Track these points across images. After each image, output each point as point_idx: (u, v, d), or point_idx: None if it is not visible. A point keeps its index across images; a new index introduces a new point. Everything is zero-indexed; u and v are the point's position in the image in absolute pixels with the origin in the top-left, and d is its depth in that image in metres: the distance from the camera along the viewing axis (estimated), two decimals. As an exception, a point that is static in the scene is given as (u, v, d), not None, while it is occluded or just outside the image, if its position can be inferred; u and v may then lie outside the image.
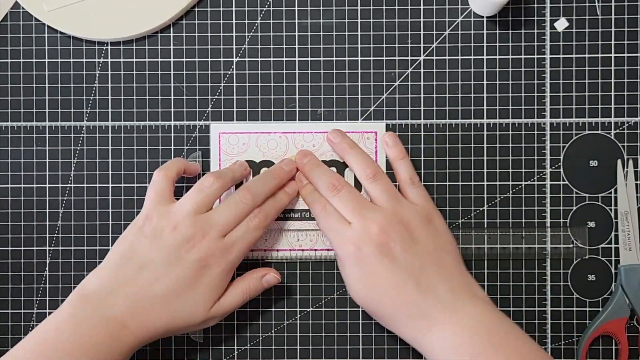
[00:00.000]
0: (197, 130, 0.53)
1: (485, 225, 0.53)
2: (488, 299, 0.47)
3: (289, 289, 0.53)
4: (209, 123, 0.53)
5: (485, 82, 0.53)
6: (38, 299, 0.53)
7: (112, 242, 0.52)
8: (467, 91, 0.53)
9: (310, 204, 0.51)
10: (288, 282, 0.53)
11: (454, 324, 0.44)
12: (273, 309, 0.53)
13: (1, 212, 0.54)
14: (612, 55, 0.53)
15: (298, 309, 0.53)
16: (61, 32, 0.53)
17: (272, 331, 0.53)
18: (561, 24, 0.53)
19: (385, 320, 0.47)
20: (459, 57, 0.53)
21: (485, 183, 0.53)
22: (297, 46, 0.53)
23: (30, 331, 0.53)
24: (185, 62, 0.53)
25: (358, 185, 0.52)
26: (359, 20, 0.53)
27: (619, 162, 0.52)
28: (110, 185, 0.53)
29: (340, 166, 0.52)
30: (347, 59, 0.53)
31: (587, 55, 0.53)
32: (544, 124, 0.53)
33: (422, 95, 0.53)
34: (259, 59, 0.53)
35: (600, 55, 0.53)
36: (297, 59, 0.53)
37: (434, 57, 0.53)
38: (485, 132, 0.53)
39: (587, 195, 0.53)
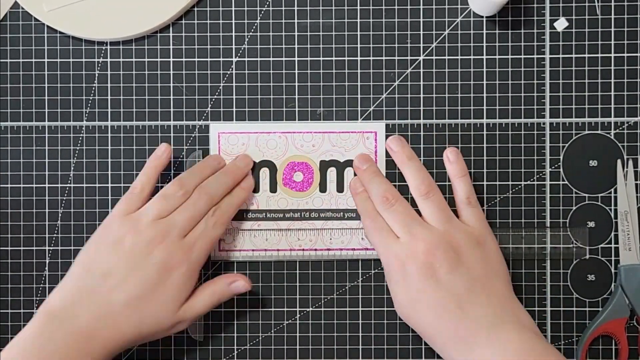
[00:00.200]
0: (196, 130, 0.53)
1: (485, 225, 0.53)
2: (535, 328, 0.46)
3: (289, 289, 0.53)
4: (208, 123, 0.53)
5: (484, 82, 0.53)
6: (38, 298, 0.53)
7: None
8: (467, 91, 0.53)
9: (361, 213, 0.51)
10: (288, 282, 0.53)
11: (494, 350, 0.43)
12: (273, 309, 0.53)
13: (1, 212, 0.54)
14: (612, 55, 0.53)
15: (298, 309, 0.53)
16: (61, 32, 0.53)
17: (272, 331, 0.53)
18: (561, 24, 0.53)
19: (427, 338, 0.47)
20: (459, 57, 0.53)
21: (485, 183, 0.53)
22: (296, 46, 0.53)
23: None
24: (184, 62, 0.53)
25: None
26: (358, 20, 0.53)
27: (619, 162, 0.52)
28: (109, 185, 0.53)
29: (340, 166, 0.53)
30: (346, 58, 0.53)
31: (586, 55, 0.53)
32: (544, 124, 0.53)
33: (421, 95, 0.53)
34: (259, 59, 0.53)
35: (600, 55, 0.53)
36: (296, 58, 0.53)
37: (434, 57, 0.53)
38: (484, 132, 0.53)
39: (586, 195, 0.53)
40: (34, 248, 0.53)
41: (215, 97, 0.53)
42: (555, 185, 0.53)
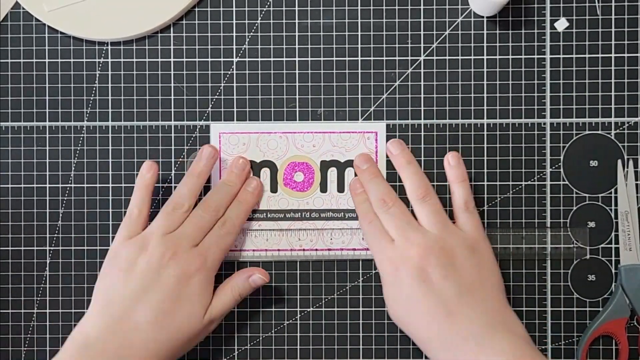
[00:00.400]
0: (197, 130, 0.53)
1: (486, 225, 0.53)
2: (527, 337, 0.46)
3: (289, 289, 0.53)
4: (209, 123, 0.53)
5: (485, 82, 0.53)
6: (38, 299, 0.53)
7: (112, 242, 0.52)
8: (467, 91, 0.53)
9: (359, 215, 0.51)
10: (288, 282, 0.53)
11: (484, 358, 0.43)
12: (273, 309, 0.53)
13: (1, 212, 0.54)
14: (612, 55, 0.53)
15: (298, 309, 0.53)
16: (61, 32, 0.53)
17: (272, 331, 0.53)
18: (561, 24, 0.53)
19: (419, 343, 0.47)
20: (459, 57, 0.53)
21: (485, 183, 0.53)
22: (297, 46, 0.53)
23: (30, 331, 0.53)
24: (185, 62, 0.53)
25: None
26: (359, 21, 0.53)
27: (619, 162, 0.53)
28: (110, 185, 0.53)
29: (341, 166, 0.53)
30: (347, 59, 0.53)
31: (587, 56, 0.53)
32: (544, 124, 0.53)
33: (422, 95, 0.53)
34: (259, 59, 0.53)
35: (600, 55, 0.53)
36: (297, 59, 0.53)
37: (434, 57, 0.53)
38: (485, 132, 0.53)
39: (587, 195, 0.53)
40: (35, 248, 0.53)
41: (216, 97, 0.53)
42: (555, 185, 0.53)
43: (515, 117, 0.53)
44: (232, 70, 0.53)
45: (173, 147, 0.53)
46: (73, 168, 0.53)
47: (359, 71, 0.53)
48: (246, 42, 0.53)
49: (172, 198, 0.49)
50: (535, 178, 0.53)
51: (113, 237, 0.53)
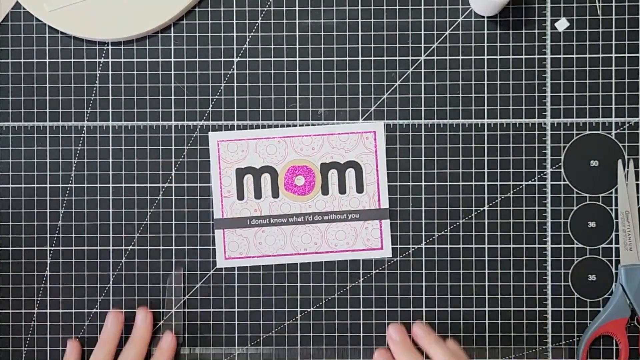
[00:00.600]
0: (197, 130, 0.53)
1: (486, 225, 0.53)
2: None
3: (289, 289, 0.53)
4: (209, 123, 0.53)
5: (486, 82, 0.53)
6: (39, 299, 0.53)
7: (113, 242, 0.52)
8: (468, 91, 0.53)
9: None
10: (288, 282, 0.53)
11: None
12: (273, 309, 0.53)
13: (2, 212, 0.54)
14: (613, 55, 0.53)
15: (299, 309, 0.53)
16: (62, 32, 0.53)
17: (273, 331, 0.53)
18: (562, 24, 0.53)
19: None
20: (460, 57, 0.53)
21: (485, 183, 0.53)
22: (297, 46, 0.53)
23: (30, 331, 0.53)
24: (185, 62, 0.53)
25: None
26: (359, 20, 0.53)
27: (620, 162, 0.53)
28: (110, 185, 0.53)
29: (342, 167, 0.52)
30: (347, 59, 0.53)
31: (587, 56, 0.53)
32: (545, 124, 0.53)
33: (422, 95, 0.53)
34: (260, 59, 0.53)
35: (600, 55, 0.53)
36: (297, 59, 0.53)
37: (435, 57, 0.53)
38: (486, 132, 0.53)
39: (587, 195, 0.53)
40: (35, 248, 0.53)
41: (217, 97, 0.53)
42: (556, 185, 0.53)
43: (516, 117, 0.53)
44: (232, 70, 0.53)
45: (173, 147, 0.53)
46: (73, 168, 0.53)
47: (360, 71, 0.53)
48: (246, 42, 0.53)
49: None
50: (536, 178, 0.53)
51: (113, 237, 0.53)
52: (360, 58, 0.53)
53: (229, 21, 0.53)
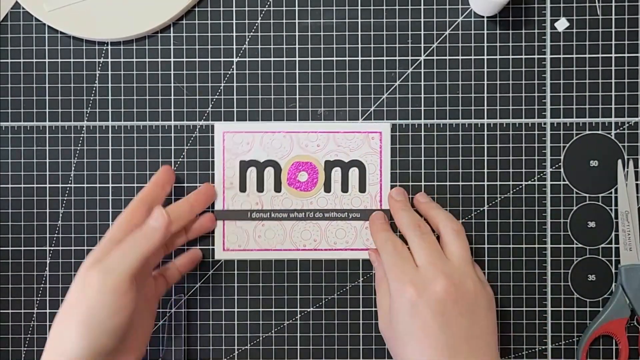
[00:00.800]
0: (197, 130, 0.53)
1: (486, 225, 0.53)
2: None
3: (289, 289, 0.53)
4: (209, 123, 0.53)
5: (485, 82, 0.53)
6: (38, 299, 0.53)
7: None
8: (468, 91, 0.53)
9: (380, 240, 0.50)
10: (288, 282, 0.53)
11: None
12: (273, 309, 0.53)
13: (1, 212, 0.54)
14: (613, 55, 0.53)
15: (298, 309, 0.53)
16: (61, 32, 0.53)
17: (272, 331, 0.53)
18: (562, 24, 0.53)
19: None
20: (460, 57, 0.53)
21: (485, 183, 0.53)
22: (297, 46, 0.53)
23: (30, 331, 0.53)
24: (185, 62, 0.53)
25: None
26: (359, 20, 0.53)
27: (619, 162, 0.53)
28: (110, 185, 0.53)
29: (345, 166, 0.53)
30: (347, 58, 0.53)
31: (587, 56, 0.53)
32: (545, 124, 0.53)
33: (422, 95, 0.53)
34: (260, 59, 0.53)
35: (600, 55, 0.53)
36: (297, 58, 0.53)
37: (435, 57, 0.53)
38: (485, 132, 0.53)
39: (587, 195, 0.53)
40: (35, 248, 0.53)
41: (216, 97, 0.53)
42: (555, 185, 0.53)
43: (516, 117, 0.53)
44: (232, 70, 0.53)
45: (173, 147, 0.53)
46: (73, 168, 0.53)
47: (359, 71, 0.53)
48: (246, 42, 0.53)
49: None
50: (535, 178, 0.53)
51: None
52: (360, 58, 0.53)
53: (229, 21, 0.53)
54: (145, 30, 0.53)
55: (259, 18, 0.53)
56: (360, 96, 0.53)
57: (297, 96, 0.53)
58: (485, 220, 0.53)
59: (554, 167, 0.53)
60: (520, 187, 0.53)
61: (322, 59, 0.53)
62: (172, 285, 0.52)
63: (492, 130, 0.53)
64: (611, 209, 0.53)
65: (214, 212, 0.53)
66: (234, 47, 0.53)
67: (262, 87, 0.53)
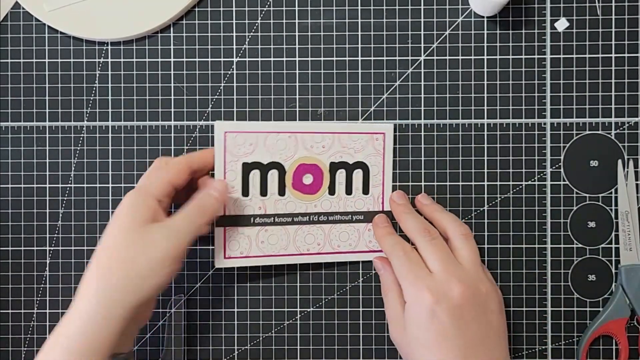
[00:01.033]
0: (197, 130, 0.53)
1: (486, 225, 0.53)
2: None
3: (289, 289, 0.53)
4: (209, 123, 0.53)
5: (485, 82, 0.53)
6: (38, 299, 0.53)
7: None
8: (468, 91, 0.53)
9: (388, 246, 0.49)
10: (288, 282, 0.53)
11: None
12: (273, 309, 0.53)
13: (1, 212, 0.54)
14: (613, 55, 0.53)
15: (298, 309, 0.53)
16: (61, 32, 0.53)
17: (272, 331, 0.53)
18: (561, 24, 0.53)
19: None
20: (460, 57, 0.53)
21: (485, 183, 0.53)
22: (297, 46, 0.53)
23: (30, 331, 0.53)
24: (185, 62, 0.53)
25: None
26: (359, 20, 0.53)
27: (619, 162, 0.53)
28: (110, 185, 0.53)
29: (350, 168, 0.52)
30: (347, 59, 0.53)
31: (587, 56, 0.53)
32: (545, 124, 0.53)
33: (422, 95, 0.53)
34: (259, 59, 0.53)
35: (600, 55, 0.53)
36: (297, 59, 0.53)
37: (435, 57, 0.53)
38: (485, 132, 0.53)
39: (587, 195, 0.53)
40: (35, 248, 0.53)
41: (216, 97, 0.53)
42: (555, 185, 0.53)
43: (516, 117, 0.53)
44: (232, 70, 0.53)
45: (173, 147, 0.53)
46: (73, 168, 0.53)
47: (359, 71, 0.53)
48: (246, 42, 0.53)
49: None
50: (535, 178, 0.53)
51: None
52: (360, 58, 0.53)
53: (229, 21, 0.53)
54: (145, 30, 0.53)
55: (259, 18, 0.53)
56: (360, 96, 0.53)
57: (297, 96, 0.53)
58: (485, 220, 0.53)
59: (554, 167, 0.53)
60: (520, 187, 0.53)
61: (322, 59, 0.53)
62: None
63: (492, 130, 0.53)
64: (611, 209, 0.53)
65: (216, 219, 0.50)
66: (234, 47, 0.53)
67: (262, 87, 0.53)
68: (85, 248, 0.53)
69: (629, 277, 0.52)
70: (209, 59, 0.53)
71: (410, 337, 0.46)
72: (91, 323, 0.42)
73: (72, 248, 0.53)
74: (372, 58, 0.53)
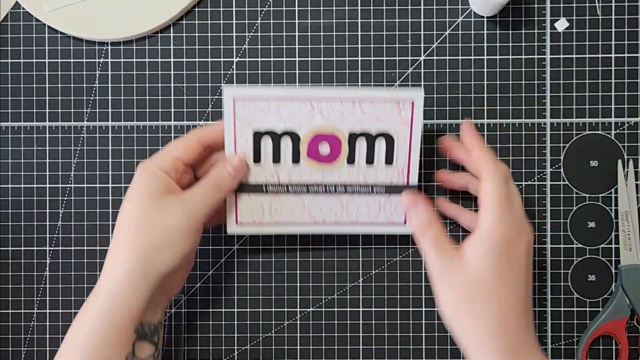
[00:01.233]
0: (197, 130, 0.53)
1: (486, 226, 0.53)
2: None
3: (289, 289, 0.53)
4: (209, 123, 0.53)
5: (485, 82, 0.53)
6: (38, 299, 0.53)
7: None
8: (468, 91, 0.53)
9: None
10: (288, 282, 0.53)
11: None
12: (273, 309, 0.53)
13: (1, 212, 0.54)
14: (612, 55, 0.53)
15: (298, 309, 0.53)
16: (61, 32, 0.53)
17: (272, 331, 0.53)
18: (561, 24, 0.53)
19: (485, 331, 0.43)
20: (459, 57, 0.53)
21: (485, 183, 0.53)
22: (297, 46, 0.53)
23: (30, 331, 0.53)
24: (185, 62, 0.53)
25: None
26: (359, 21, 0.53)
27: (619, 162, 0.53)
28: (110, 185, 0.53)
29: (372, 138, 0.47)
30: (347, 59, 0.53)
31: (587, 56, 0.53)
32: (544, 124, 0.53)
33: (422, 96, 0.53)
34: (259, 59, 0.53)
35: (600, 55, 0.53)
36: (297, 59, 0.53)
37: (435, 57, 0.53)
38: (485, 132, 0.53)
39: (587, 195, 0.53)
40: (35, 248, 0.53)
41: (216, 97, 0.53)
42: (555, 185, 0.53)
43: (515, 117, 0.53)
44: (232, 70, 0.53)
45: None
46: (73, 168, 0.53)
47: (359, 71, 0.53)
48: (246, 42, 0.53)
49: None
50: (535, 178, 0.53)
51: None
52: (360, 58, 0.53)
53: (229, 21, 0.53)
54: (145, 30, 0.53)
55: (259, 18, 0.53)
56: (360, 96, 0.53)
57: (297, 96, 0.53)
58: (485, 220, 0.53)
59: (554, 167, 0.53)
60: (520, 187, 0.53)
61: (321, 59, 0.53)
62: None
63: (492, 130, 0.53)
64: (611, 209, 0.53)
65: None
66: (234, 47, 0.53)
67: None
68: (85, 248, 0.53)
69: (629, 277, 0.51)
70: (209, 59, 0.53)
71: (472, 266, 0.43)
72: (117, 292, 0.43)
73: (72, 248, 0.53)
74: (372, 58, 0.53)
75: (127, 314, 0.43)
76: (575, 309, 0.53)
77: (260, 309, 0.53)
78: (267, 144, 0.47)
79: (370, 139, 0.47)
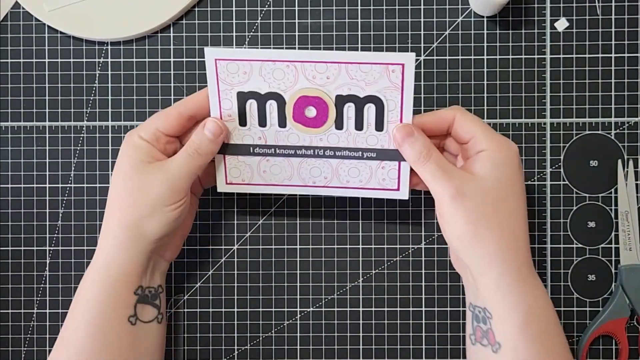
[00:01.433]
0: (197, 130, 0.53)
1: (486, 225, 0.53)
2: None
3: (289, 289, 0.53)
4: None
5: (485, 82, 0.53)
6: (38, 299, 0.53)
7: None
8: (468, 91, 0.53)
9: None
10: (288, 282, 0.53)
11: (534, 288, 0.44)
12: (273, 309, 0.53)
13: (1, 212, 0.54)
14: (612, 55, 0.53)
15: (298, 309, 0.53)
16: (61, 32, 0.53)
17: (272, 331, 0.53)
18: (561, 24, 0.53)
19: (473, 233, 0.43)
20: (459, 57, 0.53)
21: (485, 183, 0.53)
22: (297, 46, 0.53)
23: (30, 331, 0.53)
24: (185, 62, 0.53)
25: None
26: (359, 20, 0.53)
27: (619, 162, 0.53)
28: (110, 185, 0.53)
29: (360, 102, 0.46)
30: (347, 59, 0.53)
31: (587, 55, 0.53)
32: (544, 124, 0.53)
33: (422, 96, 0.53)
34: (259, 59, 0.53)
35: (600, 55, 0.53)
36: (297, 59, 0.53)
37: (434, 57, 0.53)
38: (485, 132, 0.53)
39: (587, 195, 0.53)
40: (35, 248, 0.53)
41: (216, 97, 0.53)
42: (555, 185, 0.53)
43: (515, 117, 0.53)
44: (232, 70, 0.53)
45: (173, 147, 0.53)
46: (73, 168, 0.53)
47: (359, 71, 0.53)
48: (246, 42, 0.53)
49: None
50: (535, 178, 0.53)
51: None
52: (359, 58, 0.53)
53: (229, 21, 0.53)
54: (145, 30, 0.53)
55: (259, 18, 0.53)
56: (360, 96, 0.53)
57: (297, 96, 0.53)
58: (485, 220, 0.53)
59: (554, 167, 0.53)
60: (520, 187, 0.53)
61: (322, 59, 0.53)
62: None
63: (492, 130, 0.53)
64: (611, 209, 0.53)
65: None
66: (234, 47, 0.53)
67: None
68: (85, 248, 0.53)
69: (629, 277, 0.52)
70: (209, 59, 0.53)
71: (488, 180, 0.43)
72: (112, 260, 0.45)
73: (72, 248, 0.53)
74: (372, 58, 0.53)
75: (123, 279, 0.45)
76: (575, 308, 0.53)
77: (260, 309, 0.53)
78: (252, 107, 0.46)
79: (359, 104, 0.46)
